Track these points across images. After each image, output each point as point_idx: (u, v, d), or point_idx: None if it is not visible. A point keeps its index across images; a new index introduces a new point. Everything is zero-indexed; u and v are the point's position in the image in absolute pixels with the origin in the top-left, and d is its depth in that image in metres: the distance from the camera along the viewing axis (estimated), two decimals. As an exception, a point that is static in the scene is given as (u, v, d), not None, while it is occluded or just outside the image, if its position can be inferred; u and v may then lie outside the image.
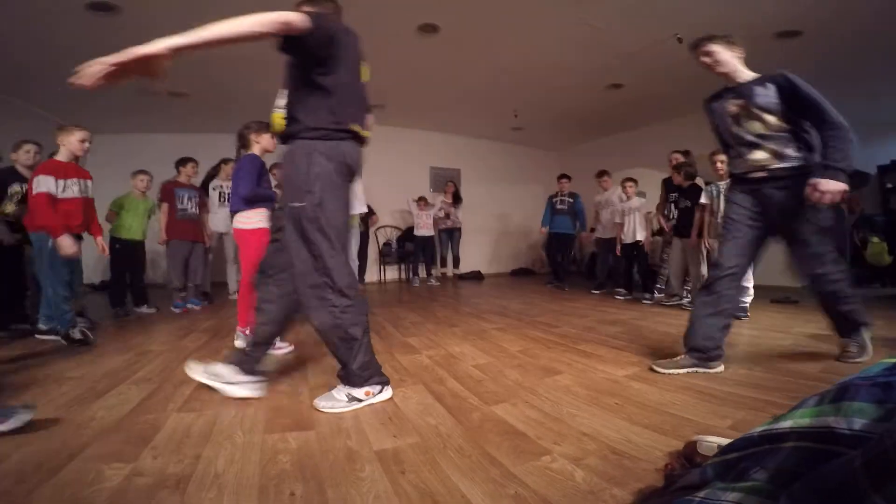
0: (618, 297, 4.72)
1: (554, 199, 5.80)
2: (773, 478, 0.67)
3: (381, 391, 1.73)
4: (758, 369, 2.04)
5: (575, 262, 6.37)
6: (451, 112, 6.61)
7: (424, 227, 6.54)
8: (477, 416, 1.57)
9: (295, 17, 1.42)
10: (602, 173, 5.53)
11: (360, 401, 1.67)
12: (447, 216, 6.73)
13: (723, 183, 3.57)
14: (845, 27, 3.81)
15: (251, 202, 2.62)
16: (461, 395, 1.80)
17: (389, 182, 7.17)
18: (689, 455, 1.09)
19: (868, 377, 0.67)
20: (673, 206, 4.30)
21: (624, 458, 1.23)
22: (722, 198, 3.56)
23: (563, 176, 5.88)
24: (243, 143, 2.74)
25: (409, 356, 2.44)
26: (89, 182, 3.06)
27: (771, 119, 2.00)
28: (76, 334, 2.69)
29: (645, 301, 4.41)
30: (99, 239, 3.18)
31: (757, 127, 2.03)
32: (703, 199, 3.78)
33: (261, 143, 2.72)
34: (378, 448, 1.32)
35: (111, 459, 1.26)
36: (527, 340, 2.78)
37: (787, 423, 0.72)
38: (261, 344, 1.86)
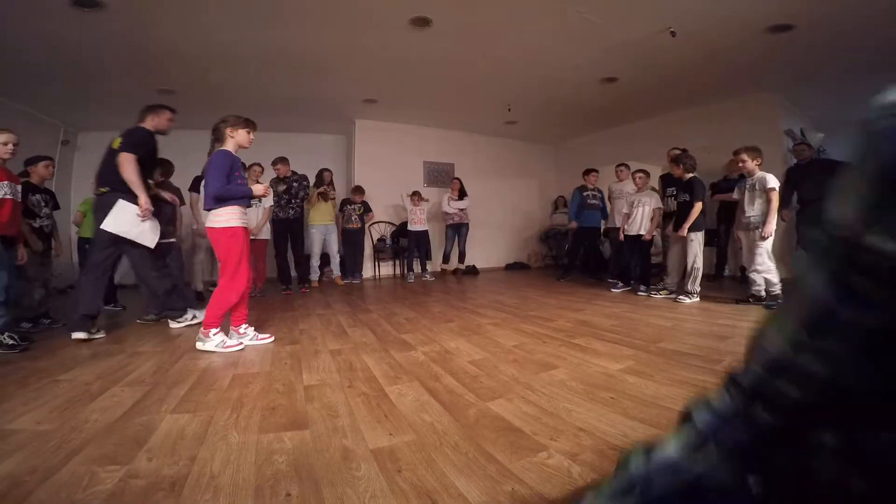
0: (614, 290, 4.76)
1: (585, 193, 5.77)
2: None
3: None
4: (751, 362, 2.05)
5: (570, 255, 6.44)
6: (445, 106, 6.57)
7: (418, 223, 6.52)
8: (473, 413, 1.57)
9: None
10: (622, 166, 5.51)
11: None
12: (458, 211, 6.77)
13: (755, 177, 3.72)
14: (837, 21, 3.81)
15: (221, 200, 2.59)
16: (457, 391, 1.80)
17: (383, 177, 7.14)
18: None
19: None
20: (671, 200, 4.32)
21: (620, 453, 1.23)
22: (756, 192, 3.70)
23: (591, 170, 5.88)
24: (217, 136, 2.70)
25: (404, 353, 2.44)
26: (18, 186, 2.99)
27: None
28: (6, 339, 2.61)
29: (640, 293, 4.45)
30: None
31: None
32: (735, 195, 3.87)
33: (235, 139, 2.69)
34: (374, 446, 1.32)
35: (106, 462, 1.25)
36: (522, 335, 2.79)
37: None
38: None
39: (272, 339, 2.82)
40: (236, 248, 2.61)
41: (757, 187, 3.70)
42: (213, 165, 2.59)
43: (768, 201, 3.59)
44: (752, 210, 3.71)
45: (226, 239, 2.59)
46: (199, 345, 2.60)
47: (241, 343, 2.67)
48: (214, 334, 2.60)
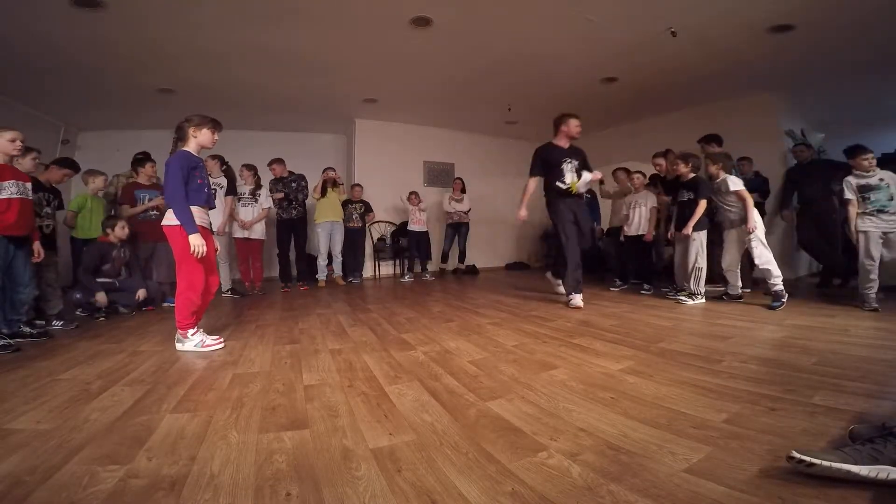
0: (612, 289, 4.76)
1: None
2: None
3: None
4: (752, 362, 2.06)
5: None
6: (445, 106, 6.57)
7: (418, 223, 6.53)
8: (473, 413, 1.57)
9: None
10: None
11: None
12: (457, 210, 6.85)
13: (717, 181, 3.89)
14: (837, 22, 3.81)
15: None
16: (457, 391, 1.80)
17: (383, 177, 7.15)
18: None
19: None
20: (672, 200, 4.29)
21: (620, 453, 1.23)
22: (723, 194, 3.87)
23: None
24: (180, 136, 2.65)
25: (404, 352, 2.44)
26: (28, 185, 2.94)
27: None
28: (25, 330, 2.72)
29: (643, 292, 4.47)
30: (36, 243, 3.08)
31: None
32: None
33: (198, 139, 2.66)
34: (374, 446, 1.32)
35: (106, 461, 1.25)
36: (522, 335, 2.79)
37: None
38: None
39: (222, 344, 2.67)
40: (190, 248, 2.52)
41: (722, 189, 3.86)
42: (169, 171, 2.51)
43: (741, 199, 3.74)
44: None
45: (182, 238, 2.51)
46: (178, 346, 2.58)
47: (222, 341, 2.66)
48: (193, 335, 2.58)
